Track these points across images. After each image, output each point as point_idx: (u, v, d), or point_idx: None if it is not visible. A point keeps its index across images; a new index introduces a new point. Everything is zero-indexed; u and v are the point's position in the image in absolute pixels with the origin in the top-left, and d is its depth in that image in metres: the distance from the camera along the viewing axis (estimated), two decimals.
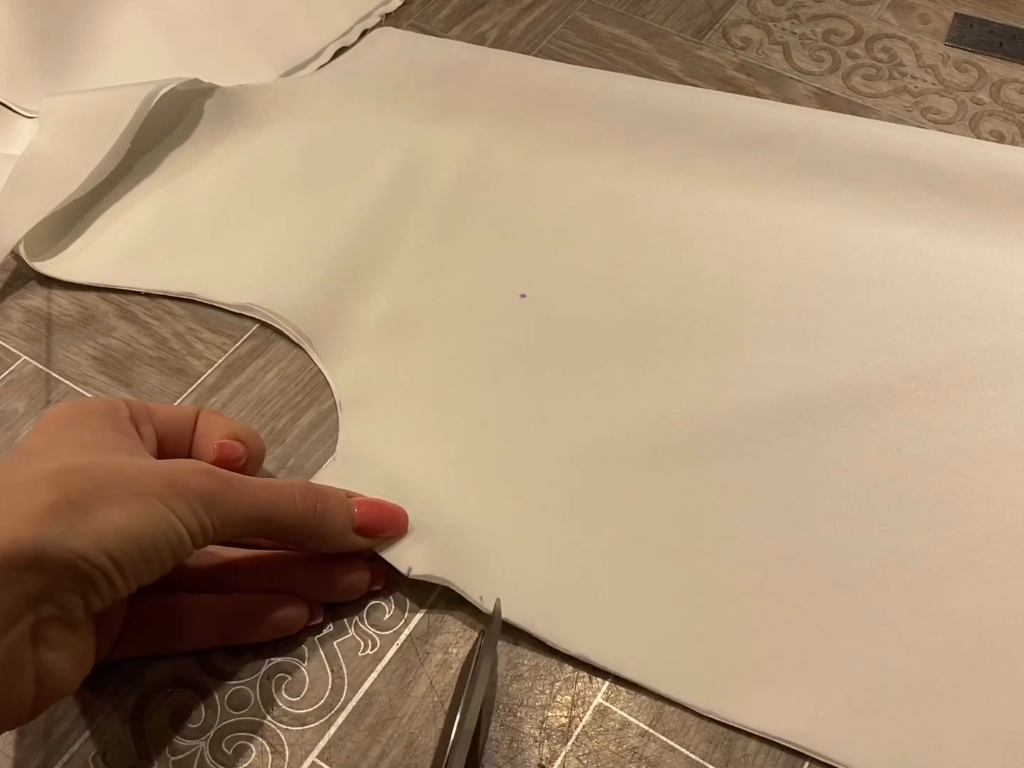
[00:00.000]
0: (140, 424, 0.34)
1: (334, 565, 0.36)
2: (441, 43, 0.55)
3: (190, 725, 0.34)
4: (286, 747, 0.34)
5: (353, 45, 0.56)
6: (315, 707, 0.34)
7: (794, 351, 0.42)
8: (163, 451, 0.35)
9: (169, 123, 0.51)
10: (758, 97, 0.52)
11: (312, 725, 0.34)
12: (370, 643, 0.36)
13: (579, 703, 0.34)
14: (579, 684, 0.35)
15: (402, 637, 0.36)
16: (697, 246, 0.46)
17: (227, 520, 0.31)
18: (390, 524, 0.36)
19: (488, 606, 0.35)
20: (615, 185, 0.49)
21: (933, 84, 0.53)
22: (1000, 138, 0.51)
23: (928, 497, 0.39)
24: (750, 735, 0.34)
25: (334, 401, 0.42)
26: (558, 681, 0.35)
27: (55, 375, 0.43)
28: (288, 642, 0.36)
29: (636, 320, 0.44)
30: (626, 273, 0.45)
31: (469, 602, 0.36)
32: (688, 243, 0.46)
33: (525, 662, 0.35)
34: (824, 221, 0.47)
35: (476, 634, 0.36)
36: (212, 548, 0.36)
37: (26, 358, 0.43)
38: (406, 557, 0.36)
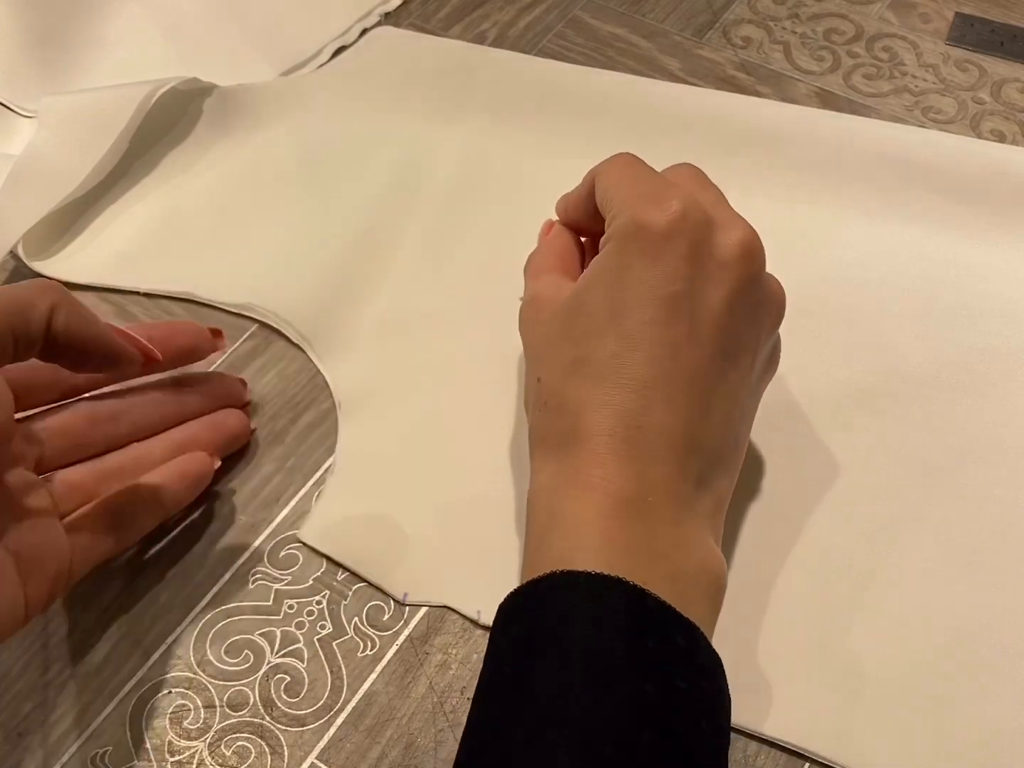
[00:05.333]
0: None
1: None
2: (441, 42, 0.55)
3: (189, 726, 0.34)
4: (285, 748, 0.34)
5: (352, 44, 0.55)
6: (314, 708, 0.34)
7: (794, 351, 0.41)
8: None
9: (168, 123, 0.51)
10: (758, 96, 0.52)
11: (311, 726, 0.34)
12: (369, 644, 0.36)
13: None
14: None
15: (401, 638, 0.36)
16: None
17: None
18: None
19: (486, 620, 0.35)
20: None
21: (934, 83, 0.53)
22: (1001, 138, 0.50)
23: (928, 497, 0.39)
24: (750, 735, 0.34)
25: (333, 401, 0.42)
26: None
27: None
28: (287, 643, 0.36)
29: None
30: None
31: None
32: None
33: None
34: (824, 221, 0.47)
35: (476, 635, 0.36)
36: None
37: None
38: (401, 582, 0.36)
